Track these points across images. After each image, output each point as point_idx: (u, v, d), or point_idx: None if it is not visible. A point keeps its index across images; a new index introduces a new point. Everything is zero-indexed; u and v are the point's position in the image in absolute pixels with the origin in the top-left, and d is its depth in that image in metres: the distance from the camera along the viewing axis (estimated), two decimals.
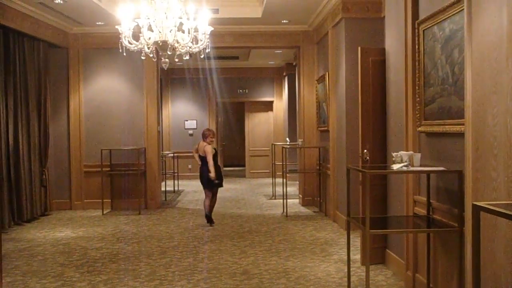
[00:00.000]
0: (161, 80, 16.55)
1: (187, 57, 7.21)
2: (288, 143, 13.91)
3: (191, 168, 16.45)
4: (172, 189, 13.55)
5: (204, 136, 8.86)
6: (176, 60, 7.26)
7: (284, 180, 10.09)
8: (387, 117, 5.95)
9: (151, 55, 6.93)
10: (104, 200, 10.40)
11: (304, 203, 10.92)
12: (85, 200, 10.72)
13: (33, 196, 9.49)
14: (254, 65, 16.45)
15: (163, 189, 12.20)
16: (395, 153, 4.46)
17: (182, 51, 7.11)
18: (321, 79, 9.84)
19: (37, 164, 9.73)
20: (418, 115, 4.84)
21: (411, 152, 4.55)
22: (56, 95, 10.66)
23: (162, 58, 7.13)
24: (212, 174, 8.58)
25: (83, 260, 6.58)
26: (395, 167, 4.18)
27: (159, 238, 7.82)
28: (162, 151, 16.17)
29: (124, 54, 7.01)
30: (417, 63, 4.87)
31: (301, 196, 11.12)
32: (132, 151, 10.38)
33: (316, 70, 10.64)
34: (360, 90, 6.06)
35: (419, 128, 4.82)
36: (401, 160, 4.33)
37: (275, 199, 11.90)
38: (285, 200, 9.91)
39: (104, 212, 10.16)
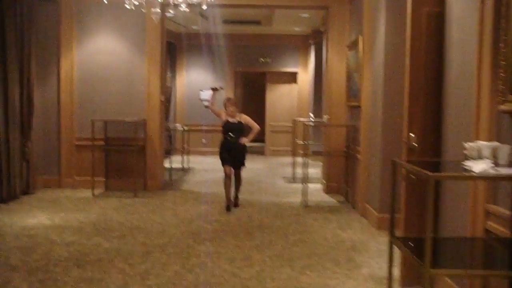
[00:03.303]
0: (175, 46, 15.17)
1: (185, 8, 5.69)
2: (312, 119, 12.40)
3: (206, 143, 15.02)
4: (180, 166, 12.11)
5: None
6: (171, 12, 5.71)
7: (305, 159, 8.51)
8: (444, 90, 4.35)
9: (136, 3, 5.43)
10: (98, 179, 9.05)
11: (328, 190, 9.38)
12: (76, 178, 9.35)
13: (10, 172, 8.14)
14: (277, 31, 14.78)
15: (170, 166, 10.79)
16: (469, 144, 2.89)
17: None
18: (353, 45, 8.21)
19: (18, 135, 8.35)
20: (501, 86, 3.25)
21: (496, 143, 2.96)
22: (45, 56, 9.23)
23: (152, 9, 5.65)
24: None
25: (42, 262, 5.17)
26: (476, 168, 2.61)
27: (148, 232, 6.40)
28: (175, 123, 14.83)
29: (105, 1, 5.55)
30: (501, 9, 3.27)
31: (324, 181, 9.59)
32: (130, 123, 8.94)
33: (347, 35, 8.99)
34: (409, 53, 4.47)
35: (502, 106, 3.23)
36: (479, 155, 2.78)
37: (294, 182, 10.41)
38: (305, 186, 8.38)
39: (96, 193, 8.77)
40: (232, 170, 7.87)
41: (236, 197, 8.06)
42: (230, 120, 7.84)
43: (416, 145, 4.40)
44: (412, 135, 4.43)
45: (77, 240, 5.96)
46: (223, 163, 7.86)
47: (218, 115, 8.00)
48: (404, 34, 6.29)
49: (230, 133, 7.77)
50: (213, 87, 8.26)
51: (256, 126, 7.97)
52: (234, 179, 7.96)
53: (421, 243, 3.22)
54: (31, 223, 6.73)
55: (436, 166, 3.39)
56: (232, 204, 7.83)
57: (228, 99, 8.10)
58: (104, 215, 7.28)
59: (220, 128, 8.02)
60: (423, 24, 4.43)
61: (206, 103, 15.25)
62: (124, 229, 6.51)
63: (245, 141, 7.83)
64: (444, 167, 3.32)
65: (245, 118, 7.97)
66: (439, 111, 4.42)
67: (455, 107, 4.13)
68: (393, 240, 3.23)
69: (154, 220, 7.04)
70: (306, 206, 8.14)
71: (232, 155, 7.82)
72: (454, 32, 4.17)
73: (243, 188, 9.46)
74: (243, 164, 8.00)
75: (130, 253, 5.50)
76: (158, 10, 5.46)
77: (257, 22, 13.66)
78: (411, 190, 4.44)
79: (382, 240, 6.14)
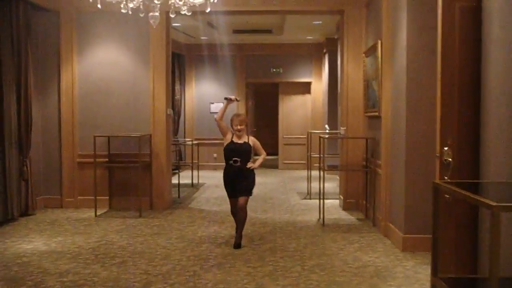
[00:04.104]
0: (184, 57, 14.70)
1: (186, 11, 5.17)
2: (327, 131, 11.85)
3: (216, 157, 14.48)
4: (190, 182, 11.57)
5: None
6: (172, 16, 5.20)
7: (321, 173, 7.86)
8: (483, 96, 3.77)
9: (131, 6, 4.91)
10: (102, 198, 8.55)
11: (346, 207, 8.77)
12: (78, 197, 8.83)
13: (7, 192, 7.64)
14: (289, 40, 14.26)
15: (179, 182, 10.27)
16: None
17: (179, 2, 5.09)
18: (371, 51, 7.65)
19: (15, 153, 7.86)
20: None
21: None
22: (44, 69, 8.77)
23: (150, 13, 5.13)
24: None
25: None
26: None
27: (151, 258, 5.84)
28: (184, 137, 14.36)
29: (99, 5, 5.05)
30: None
31: (342, 197, 8.99)
32: (135, 138, 8.41)
33: (364, 40, 8.43)
34: (440, 56, 3.90)
35: None
36: None
37: (310, 199, 9.82)
38: (321, 202, 7.76)
39: (99, 213, 8.25)
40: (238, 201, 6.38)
41: (239, 236, 6.40)
42: (236, 141, 6.41)
43: (451, 160, 3.81)
44: (446, 148, 3.84)
45: (73, 269, 5.41)
46: (229, 196, 6.52)
47: (223, 133, 6.52)
48: (429, 36, 5.75)
49: (235, 159, 6.32)
50: (227, 96, 6.77)
51: (264, 153, 6.60)
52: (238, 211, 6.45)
53: (468, 285, 2.65)
54: (25, 249, 6.19)
55: (488, 189, 2.79)
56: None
57: (237, 116, 6.56)
58: (105, 238, 6.74)
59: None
60: (456, 21, 3.86)
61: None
62: (125, 255, 5.96)
63: (252, 166, 6.41)
64: (501, 191, 2.71)
65: (254, 141, 6.55)
66: (477, 121, 3.83)
67: (497, 115, 3.55)
68: (436, 281, 2.61)
69: (159, 243, 6.48)
70: (323, 224, 7.55)
71: (237, 184, 6.37)
72: (495, 29, 3.60)
73: (255, 204, 8.98)
74: (249, 193, 6.43)
75: (129, 284, 4.94)
76: (157, 14, 4.95)
77: (268, 31, 13.16)
78: (445, 212, 3.84)
79: (409, 265, 5.54)
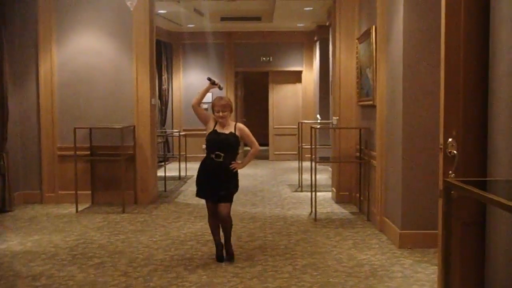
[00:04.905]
0: (171, 45, 14.29)
1: None
2: (319, 121, 11.50)
3: (205, 149, 14.08)
4: (177, 174, 11.20)
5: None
6: None
7: (313, 165, 7.53)
8: (492, 82, 3.41)
9: None
10: (84, 192, 8.16)
11: (339, 200, 8.43)
12: (59, 192, 8.43)
13: None
14: (279, 28, 13.88)
15: (166, 174, 9.89)
16: None
17: None
18: (365, 37, 7.28)
19: None
20: None
21: None
22: (21, 58, 8.33)
23: None
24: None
25: None
26: None
27: (131, 258, 5.47)
28: (172, 128, 14.00)
29: None
30: None
31: (334, 190, 8.64)
32: (118, 130, 8.00)
33: (357, 26, 8.04)
34: (444, 38, 3.53)
35: None
36: None
37: (301, 191, 9.49)
38: (313, 195, 7.42)
39: (80, 209, 7.87)
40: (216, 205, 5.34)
41: (227, 244, 5.47)
42: (220, 130, 5.31)
43: (456, 152, 3.46)
44: (451, 139, 3.49)
45: (47, 271, 5.03)
46: (201, 195, 5.39)
47: (203, 121, 5.44)
48: (428, 19, 5.41)
49: (217, 152, 5.23)
50: (210, 78, 5.56)
51: (256, 145, 5.47)
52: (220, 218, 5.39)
53: None
54: None
55: (508, 190, 2.44)
56: (222, 250, 5.42)
57: (220, 99, 5.32)
58: (84, 236, 6.35)
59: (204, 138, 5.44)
60: (462, 0, 3.49)
61: (205, 106, 14.33)
62: (105, 255, 5.58)
63: (238, 167, 5.39)
64: None
65: (242, 130, 5.42)
66: (484, 110, 3.47)
67: (508, 104, 3.19)
68: None
69: (141, 241, 6.11)
70: (315, 219, 7.20)
71: (215, 184, 5.26)
72: (505, 7, 3.23)
73: (244, 198, 8.67)
74: (228, 200, 5.33)
75: None
76: None
77: (258, 18, 12.79)
78: (450, 209, 3.48)
79: (406, 263, 5.21)
